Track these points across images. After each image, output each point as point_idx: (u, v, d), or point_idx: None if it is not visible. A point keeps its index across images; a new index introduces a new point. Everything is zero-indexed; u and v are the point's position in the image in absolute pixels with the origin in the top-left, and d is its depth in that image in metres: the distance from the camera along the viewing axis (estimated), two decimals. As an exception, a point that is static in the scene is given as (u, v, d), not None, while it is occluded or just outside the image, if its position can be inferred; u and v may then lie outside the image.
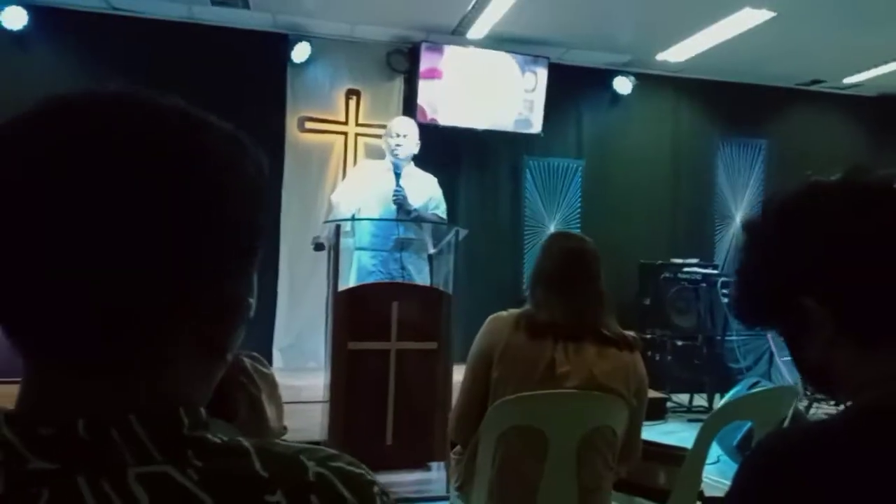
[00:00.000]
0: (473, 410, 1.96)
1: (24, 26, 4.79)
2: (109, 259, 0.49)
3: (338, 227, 3.11)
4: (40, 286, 0.49)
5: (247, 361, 1.45)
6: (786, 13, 4.62)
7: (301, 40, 5.18)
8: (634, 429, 2.00)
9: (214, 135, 0.56)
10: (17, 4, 4.75)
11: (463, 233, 3.24)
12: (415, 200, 3.84)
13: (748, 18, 4.76)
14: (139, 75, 4.97)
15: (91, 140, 0.51)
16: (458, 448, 2.13)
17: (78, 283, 0.49)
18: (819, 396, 4.47)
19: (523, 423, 1.86)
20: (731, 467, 3.44)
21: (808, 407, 4.54)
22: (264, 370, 1.66)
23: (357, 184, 4.08)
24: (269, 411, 1.63)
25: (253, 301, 0.60)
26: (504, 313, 1.99)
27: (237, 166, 0.56)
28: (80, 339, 0.51)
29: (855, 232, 0.80)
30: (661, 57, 5.68)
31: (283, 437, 1.72)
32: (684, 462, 2.13)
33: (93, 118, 0.52)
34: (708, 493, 2.27)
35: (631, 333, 2.02)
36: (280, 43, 5.22)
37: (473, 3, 4.71)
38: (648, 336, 5.20)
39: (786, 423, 2.38)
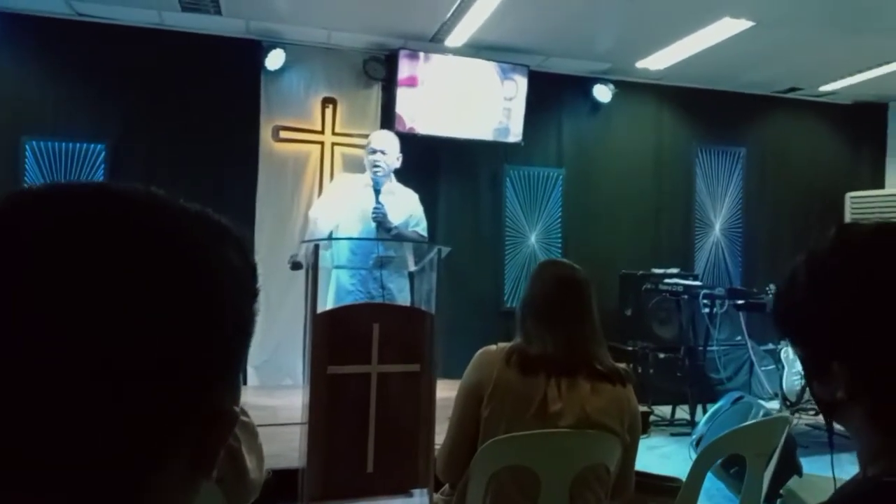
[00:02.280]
0: (463, 448, 1.88)
1: (-13, 33, 4.62)
2: (73, 375, 0.43)
3: (316, 248, 3.00)
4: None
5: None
6: (765, 22, 4.63)
7: (275, 47, 5.06)
8: (628, 464, 1.95)
9: (192, 224, 0.50)
10: (-22, 10, 4.58)
11: (445, 251, 3.16)
12: (395, 217, 3.74)
13: (728, 27, 4.76)
14: (107, 84, 4.83)
15: (54, 242, 0.44)
16: (445, 488, 2.05)
17: (49, 398, 0.42)
18: (801, 406, 4.47)
19: (515, 464, 1.79)
20: (717, 486, 3.41)
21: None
22: (243, 419, 1.56)
23: (335, 199, 3.98)
24: (249, 461, 1.54)
25: (238, 409, 0.53)
26: (493, 347, 1.91)
27: (219, 257, 0.50)
28: (48, 466, 0.43)
29: (883, 298, 0.78)
30: (641, 64, 5.65)
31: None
32: (678, 496, 2.07)
33: (60, 216, 0.46)
34: (700, 523, 2.23)
35: (622, 366, 1.97)
36: (253, 50, 5.09)
37: (452, 10, 4.63)
38: (630, 348, 5.17)
39: (777, 451, 2.35)
